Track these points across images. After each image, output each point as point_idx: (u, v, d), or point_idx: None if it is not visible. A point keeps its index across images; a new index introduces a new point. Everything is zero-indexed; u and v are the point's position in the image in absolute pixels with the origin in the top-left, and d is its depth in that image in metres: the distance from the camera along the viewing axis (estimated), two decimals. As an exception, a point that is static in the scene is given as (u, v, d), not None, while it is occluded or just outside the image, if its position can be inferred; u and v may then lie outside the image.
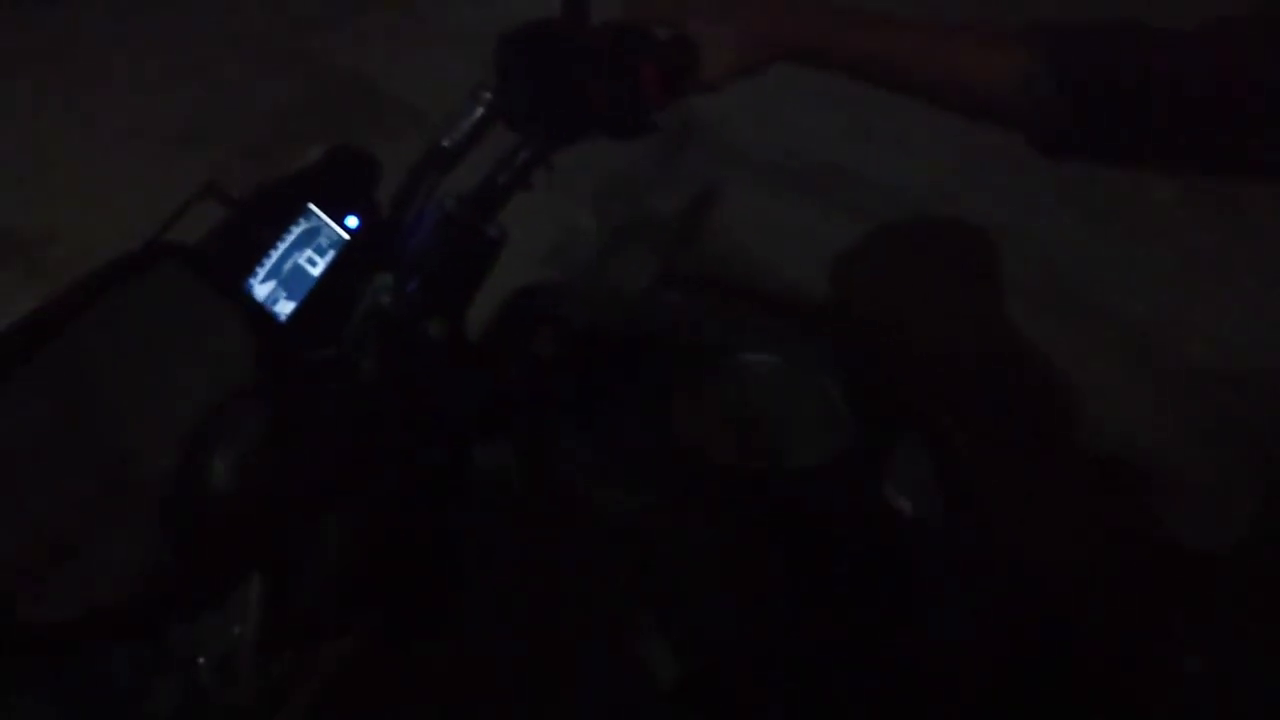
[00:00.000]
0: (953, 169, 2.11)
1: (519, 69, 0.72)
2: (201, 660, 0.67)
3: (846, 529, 0.54)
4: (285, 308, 0.68)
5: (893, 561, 0.55)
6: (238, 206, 0.73)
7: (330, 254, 0.72)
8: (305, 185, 0.73)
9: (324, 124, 2.59)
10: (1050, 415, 1.69)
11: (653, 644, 0.50)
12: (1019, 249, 1.95)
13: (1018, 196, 2.03)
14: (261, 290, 0.68)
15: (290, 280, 0.69)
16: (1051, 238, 2.00)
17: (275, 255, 0.69)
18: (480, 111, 0.76)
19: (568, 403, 0.63)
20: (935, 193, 2.10)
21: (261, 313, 0.66)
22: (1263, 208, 2.01)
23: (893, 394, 0.61)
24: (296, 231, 0.71)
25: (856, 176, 2.16)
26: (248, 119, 2.55)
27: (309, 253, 0.71)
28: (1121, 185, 2.07)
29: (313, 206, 0.72)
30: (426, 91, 2.53)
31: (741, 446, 0.58)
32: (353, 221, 0.74)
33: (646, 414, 0.61)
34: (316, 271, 0.70)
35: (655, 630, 0.50)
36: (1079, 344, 1.83)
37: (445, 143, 0.77)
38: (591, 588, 0.54)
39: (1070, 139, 0.72)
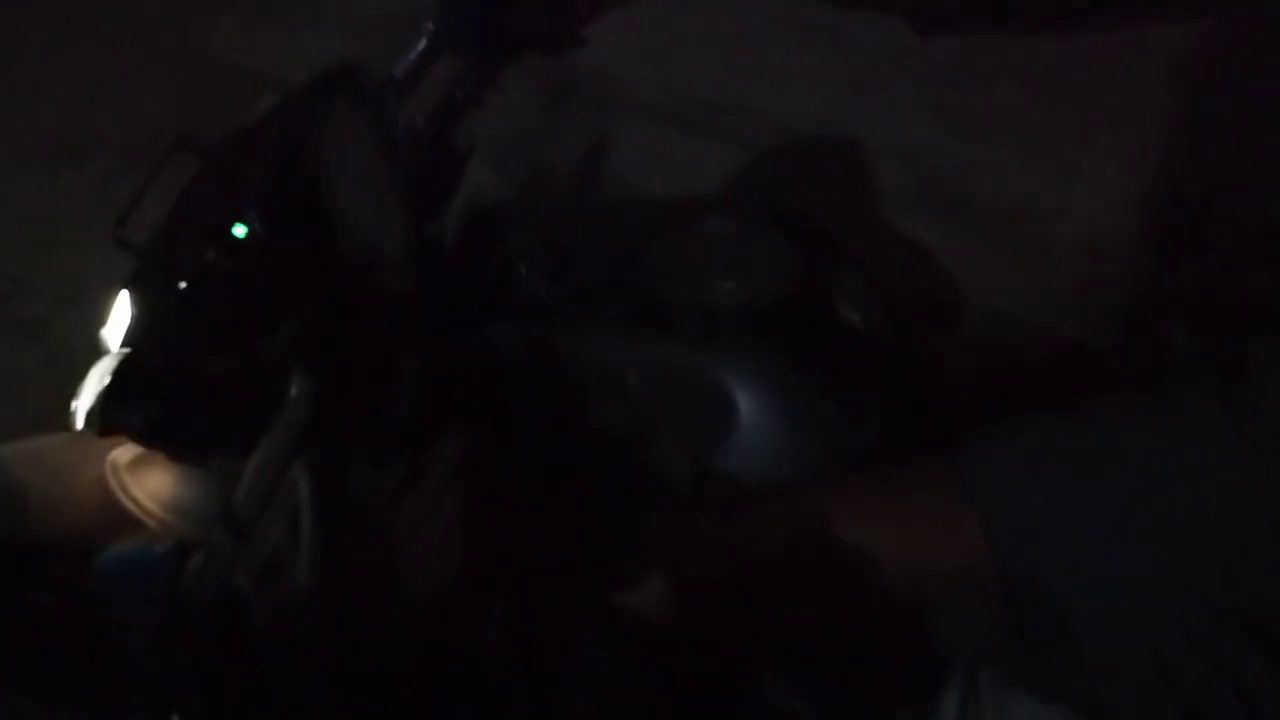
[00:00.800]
0: (829, 97, 2.26)
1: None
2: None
3: (817, 345, 0.66)
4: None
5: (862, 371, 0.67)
6: (213, 154, 0.79)
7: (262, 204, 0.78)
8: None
9: (214, 121, 2.57)
10: (933, 297, 1.85)
11: (667, 452, 0.60)
12: (895, 160, 2.11)
13: (891, 117, 2.19)
14: (255, 225, 0.74)
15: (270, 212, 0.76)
16: (923, 147, 2.16)
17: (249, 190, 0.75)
18: (424, 42, 0.84)
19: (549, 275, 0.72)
20: (816, 120, 2.24)
21: (264, 237, 0.73)
22: (1105, 102, 2.22)
23: (827, 237, 0.73)
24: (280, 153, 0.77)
25: (741, 110, 2.29)
26: (131, 124, 2.52)
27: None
28: (978, 95, 2.26)
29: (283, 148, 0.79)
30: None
31: (709, 289, 0.68)
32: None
33: (620, 272, 0.71)
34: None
35: (667, 440, 0.60)
36: (953, 236, 2.00)
37: (396, 74, 0.84)
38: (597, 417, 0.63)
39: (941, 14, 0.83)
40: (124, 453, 1.07)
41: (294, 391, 0.76)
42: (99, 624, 1.08)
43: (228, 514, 0.87)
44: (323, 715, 1.01)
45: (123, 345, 0.78)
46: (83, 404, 0.88)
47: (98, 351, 1.13)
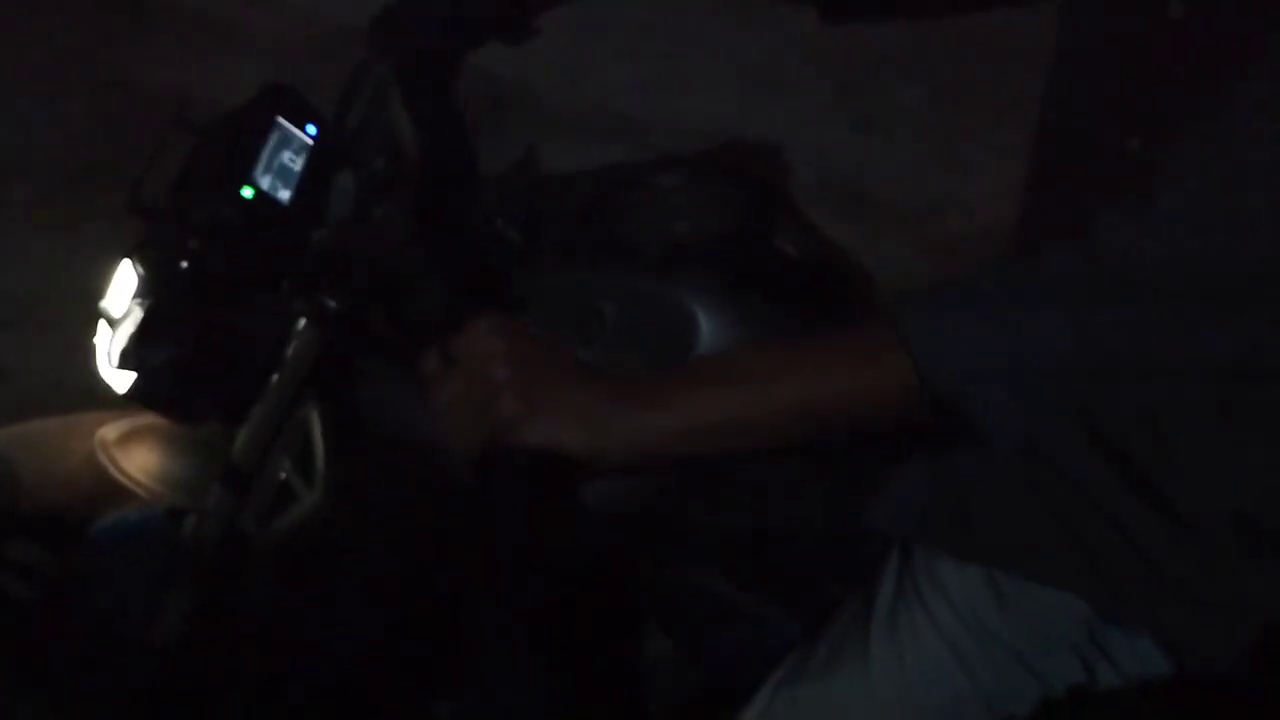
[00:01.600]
0: (742, 104, 2.42)
1: None
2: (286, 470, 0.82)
3: (761, 271, 0.77)
4: (284, 195, 0.84)
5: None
6: (208, 131, 0.88)
7: (303, 155, 0.88)
8: (269, 103, 0.89)
9: (134, 148, 2.59)
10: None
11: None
12: (801, 160, 2.28)
13: (800, 119, 2.36)
14: (263, 182, 0.83)
15: (280, 175, 0.85)
16: (827, 146, 2.33)
17: (265, 155, 0.84)
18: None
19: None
20: (731, 126, 2.40)
21: (266, 198, 0.82)
22: (997, 98, 2.41)
23: (765, 186, 0.85)
24: (275, 137, 0.86)
25: (662, 122, 2.42)
26: (55, 150, 2.53)
27: (288, 154, 0.86)
28: (878, 96, 2.44)
29: (280, 119, 0.88)
30: (233, 91, 2.60)
31: (667, 229, 0.80)
32: (311, 129, 0.90)
33: (587, 220, 0.82)
34: (297, 168, 0.86)
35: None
36: (855, 231, 2.17)
37: (366, 64, 0.94)
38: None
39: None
40: (111, 430, 1.13)
41: (297, 338, 0.84)
42: (91, 594, 1.13)
43: (227, 472, 0.94)
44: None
45: (139, 299, 0.85)
46: (107, 351, 0.93)
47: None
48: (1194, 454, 0.68)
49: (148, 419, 1.13)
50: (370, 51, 0.90)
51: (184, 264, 0.79)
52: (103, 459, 1.08)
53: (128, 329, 0.84)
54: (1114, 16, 0.74)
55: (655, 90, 2.46)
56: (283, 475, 0.88)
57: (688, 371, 0.64)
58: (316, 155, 0.89)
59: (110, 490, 1.07)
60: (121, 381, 0.95)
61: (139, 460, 1.09)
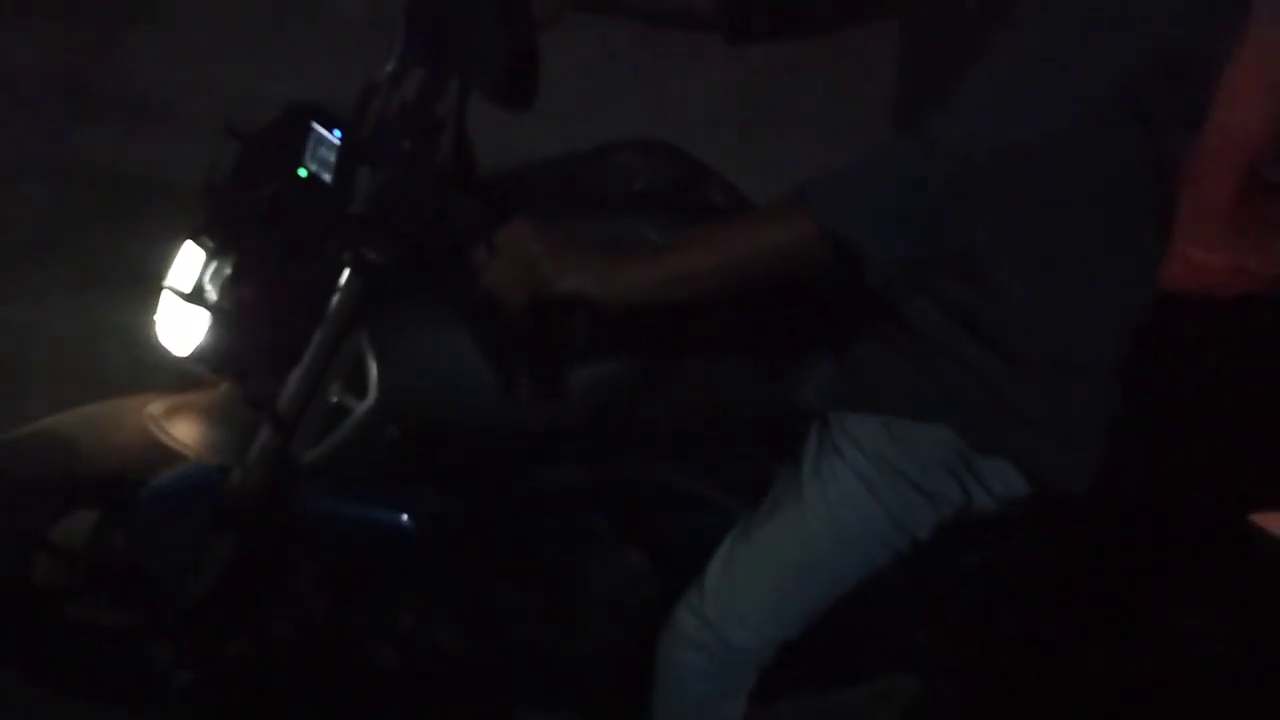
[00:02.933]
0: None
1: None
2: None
3: (700, 213, 1.04)
4: (326, 177, 1.08)
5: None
6: (253, 137, 1.12)
7: (334, 151, 1.11)
8: (303, 113, 1.12)
9: (89, 221, 2.74)
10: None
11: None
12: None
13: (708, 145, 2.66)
14: (311, 167, 1.07)
15: (321, 163, 1.08)
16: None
17: (309, 148, 1.08)
18: (396, 58, 1.18)
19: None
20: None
21: (316, 178, 1.06)
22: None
23: (700, 163, 1.13)
24: (313, 137, 1.10)
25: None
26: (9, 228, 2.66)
27: (324, 149, 1.10)
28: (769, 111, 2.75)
29: (314, 124, 1.12)
30: (177, 169, 2.79)
31: (624, 184, 1.07)
32: (337, 133, 1.13)
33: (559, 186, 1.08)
34: (332, 159, 1.10)
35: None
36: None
37: (376, 80, 1.18)
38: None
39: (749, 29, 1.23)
40: (158, 405, 1.32)
41: (342, 289, 1.07)
42: (141, 545, 1.30)
43: (273, 418, 1.15)
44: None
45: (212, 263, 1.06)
46: (172, 320, 1.14)
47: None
48: (1016, 304, 0.96)
49: (189, 396, 1.33)
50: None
51: (254, 228, 1.02)
52: (153, 429, 1.27)
53: (208, 285, 1.05)
54: (927, 15, 1.03)
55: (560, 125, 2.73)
56: (334, 399, 1.10)
57: (667, 245, 0.90)
58: (344, 151, 1.12)
59: (161, 456, 1.25)
60: (183, 345, 1.16)
61: (184, 428, 1.28)
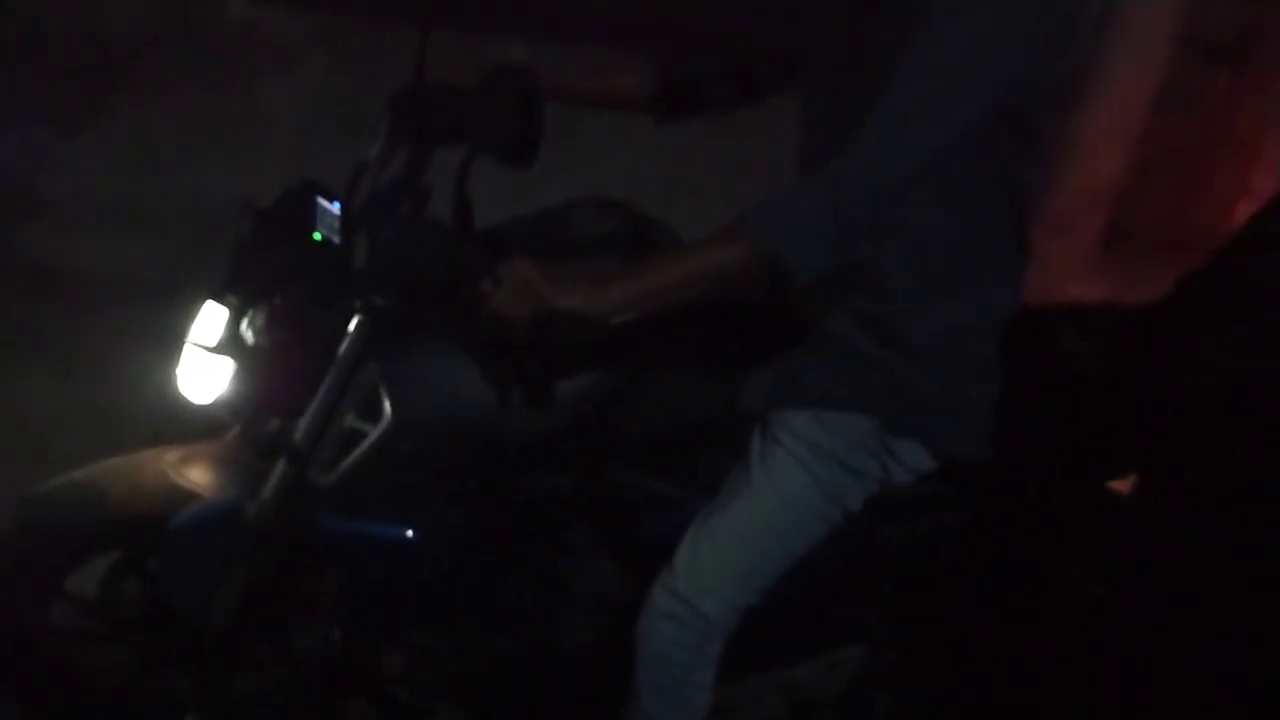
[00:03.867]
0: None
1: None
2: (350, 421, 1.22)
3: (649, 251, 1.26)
4: (335, 240, 1.27)
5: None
6: (266, 210, 1.31)
7: (337, 219, 1.31)
8: (309, 189, 1.32)
9: (46, 322, 2.83)
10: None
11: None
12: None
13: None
14: (322, 232, 1.26)
15: (329, 229, 1.28)
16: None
17: (317, 217, 1.28)
18: (384, 141, 1.39)
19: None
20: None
21: (328, 240, 1.25)
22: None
23: (649, 217, 1.35)
24: (319, 208, 1.29)
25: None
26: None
27: (329, 217, 1.30)
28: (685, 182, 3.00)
29: (318, 198, 1.31)
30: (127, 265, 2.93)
31: (592, 229, 1.28)
32: (337, 205, 1.33)
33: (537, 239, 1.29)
34: (337, 226, 1.29)
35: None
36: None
37: (369, 158, 1.38)
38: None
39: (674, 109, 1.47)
40: (173, 454, 1.47)
41: (352, 332, 1.26)
42: (165, 578, 1.43)
43: (289, 452, 1.31)
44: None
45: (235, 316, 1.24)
46: (195, 373, 1.31)
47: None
48: (908, 309, 1.19)
49: (200, 445, 1.48)
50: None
51: (275, 285, 1.21)
52: (170, 474, 1.42)
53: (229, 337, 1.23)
54: (827, 85, 1.28)
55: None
56: (348, 424, 1.27)
57: (636, 267, 1.12)
58: (345, 217, 1.32)
59: (179, 497, 1.40)
60: (205, 394, 1.32)
61: (199, 472, 1.43)
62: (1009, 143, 1.13)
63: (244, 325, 1.26)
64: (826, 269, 1.08)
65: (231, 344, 1.27)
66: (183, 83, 3.52)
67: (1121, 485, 1.40)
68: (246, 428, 1.45)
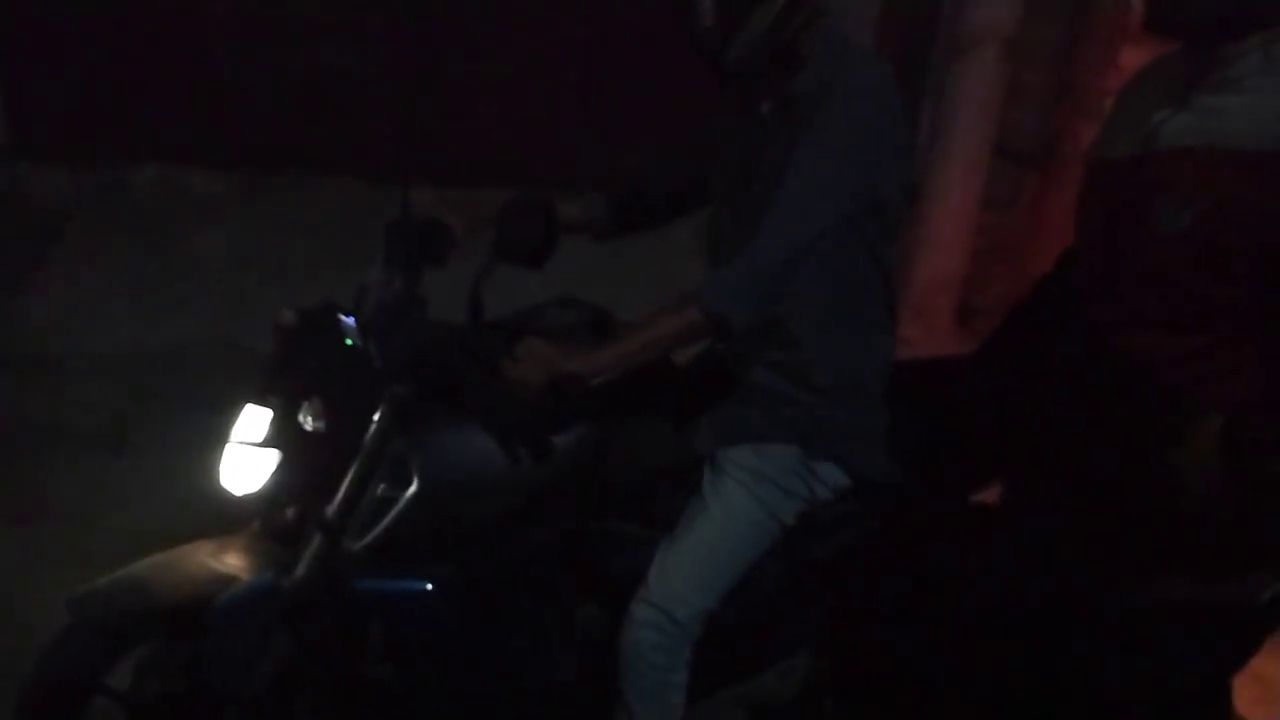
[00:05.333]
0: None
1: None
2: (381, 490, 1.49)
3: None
4: (358, 345, 1.56)
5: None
6: (292, 327, 1.60)
7: (355, 329, 1.60)
8: (328, 307, 1.62)
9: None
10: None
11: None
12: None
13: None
14: (349, 340, 1.56)
15: (351, 337, 1.57)
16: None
17: (343, 328, 1.57)
18: (382, 264, 1.71)
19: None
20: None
21: (356, 347, 1.55)
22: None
23: (610, 315, 1.70)
24: (344, 322, 1.59)
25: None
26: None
27: (348, 329, 1.59)
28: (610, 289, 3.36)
29: (339, 314, 1.61)
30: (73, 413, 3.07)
31: (563, 322, 1.62)
32: (352, 318, 1.63)
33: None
34: (356, 333, 1.59)
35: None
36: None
37: (370, 280, 1.69)
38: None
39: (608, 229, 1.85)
40: (209, 546, 1.69)
41: (379, 419, 1.54)
42: (210, 655, 1.62)
43: (323, 527, 1.57)
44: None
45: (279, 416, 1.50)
46: (236, 468, 1.55)
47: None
48: (810, 354, 1.56)
49: (233, 536, 1.71)
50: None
51: (310, 386, 1.49)
52: (209, 562, 1.64)
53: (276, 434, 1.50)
54: (728, 119, 1.66)
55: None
56: (379, 493, 1.54)
57: (614, 337, 1.47)
58: (359, 328, 1.62)
59: (221, 582, 1.62)
60: (246, 486, 1.57)
61: (234, 559, 1.66)
62: (872, 226, 1.53)
63: (284, 421, 1.52)
64: (755, 322, 1.45)
65: (276, 437, 1.53)
66: (113, 240, 3.74)
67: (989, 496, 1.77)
68: (266, 520, 1.70)
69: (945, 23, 3.63)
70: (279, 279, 3.68)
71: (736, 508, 1.58)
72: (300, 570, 1.58)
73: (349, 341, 1.55)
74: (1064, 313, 1.48)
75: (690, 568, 1.57)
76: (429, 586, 1.61)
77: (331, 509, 1.56)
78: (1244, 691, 1.54)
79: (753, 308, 1.44)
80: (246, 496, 1.58)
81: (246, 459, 1.57)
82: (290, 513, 1.67)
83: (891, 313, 1.64)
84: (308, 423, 1.53)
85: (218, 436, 1.60)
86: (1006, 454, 1.71)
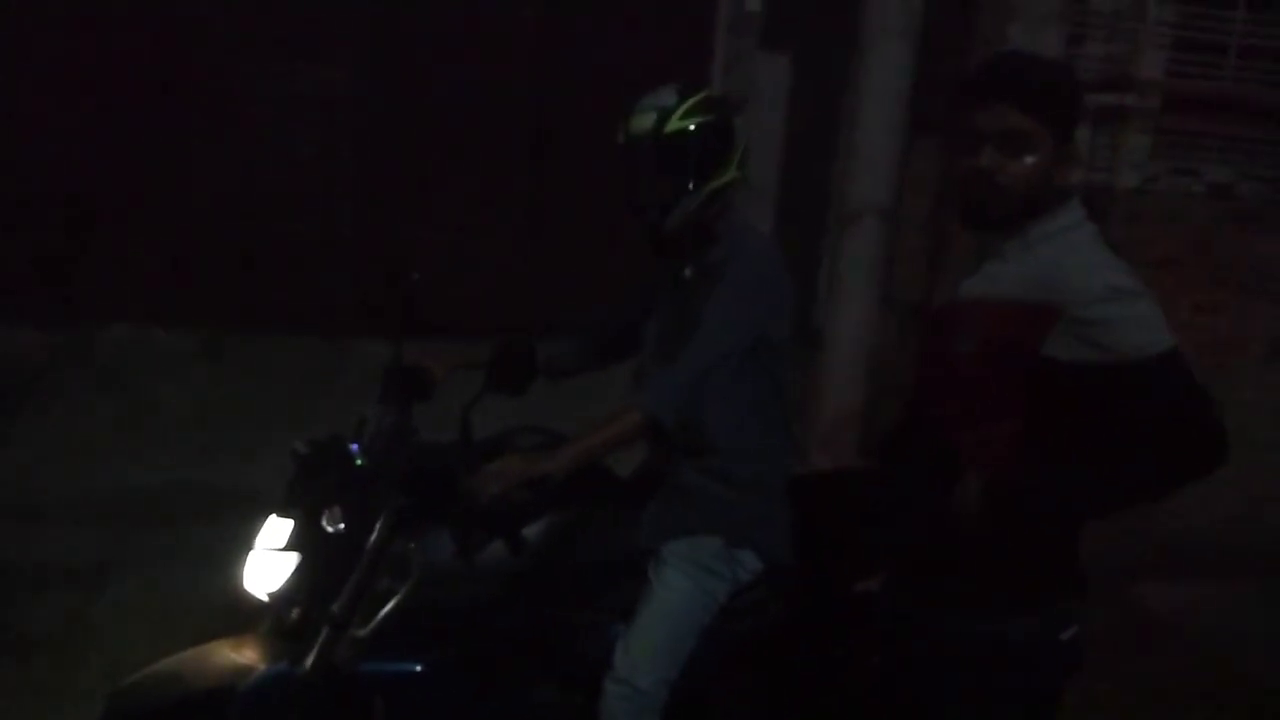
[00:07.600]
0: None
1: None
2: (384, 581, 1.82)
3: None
4: (367, 466, 1.92)
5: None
6: (307, 455, 1.96)
7: (359, 453, 1.96)
8: (334, 439, 1.98)
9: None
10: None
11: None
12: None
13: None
14: (359, 461, 1.92)
15: (359, 459, 1.93)
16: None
17: (351, 455, 1.93)
18: (380, 401, 2.08)
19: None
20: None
21: (365, 466, 1.91)
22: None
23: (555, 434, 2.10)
24: (350, 448, 1.95)
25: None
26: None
27: (356, 451, 1.95)
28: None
29: (345, 442, 1.98)
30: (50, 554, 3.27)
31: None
32: (355, 445, 1.99)
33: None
34: (361, 456, 1.95)
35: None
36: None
37: (366, 416, 2.07)
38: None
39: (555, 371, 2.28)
40: (229, 642, 1.97)
41: (379, 529, 1.88)
42: None
43: (332, 619, 1.88)
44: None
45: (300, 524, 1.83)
46: (259, 572, 1.86)
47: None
48: (726, 453, 1.98)
49: (250, 634, 2.00)
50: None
51: (331, 499, 1.84)
52: (233, 655, 1.93)
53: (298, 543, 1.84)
54: (662, 280, 2.12)
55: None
56: (382, 586, 1.86)
57: (571, 441, 1.85)
58: (362, 453, 1.98)
59: (244, 671, 1.90)
60: (266, 588, 1.89)
61: (252, 652, 1.95)
62: (766, 356, 1.98)
63: (306, 527, 1.86)
64: (679, 419, 1.88)
65: (298, 541, 1.86)
66: (84, 393, 4.02)
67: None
68: (275, 621, 2.00)
69: (835, 198, 4.27)
70: (238, 426, 3.99)
71: (677, 592, 1.95)
72: (311, 659, 1.88)
73: (359, 462, 1.91)
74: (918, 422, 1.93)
75: (647, 644, 1.93)
76: (419, 668, 1.92)
77: (339, 604, 1.88)
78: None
79: (677, 408, 1.89)
80: (268, 596, 1.90)
81: (268, 563, 1.89)
82: (295, 613, 1.96)
83: (787, 425, 2.08)
84: (329, 526, 1.86)
85: (242, 545, 1.92)
86: (884, 549, 2.12)
